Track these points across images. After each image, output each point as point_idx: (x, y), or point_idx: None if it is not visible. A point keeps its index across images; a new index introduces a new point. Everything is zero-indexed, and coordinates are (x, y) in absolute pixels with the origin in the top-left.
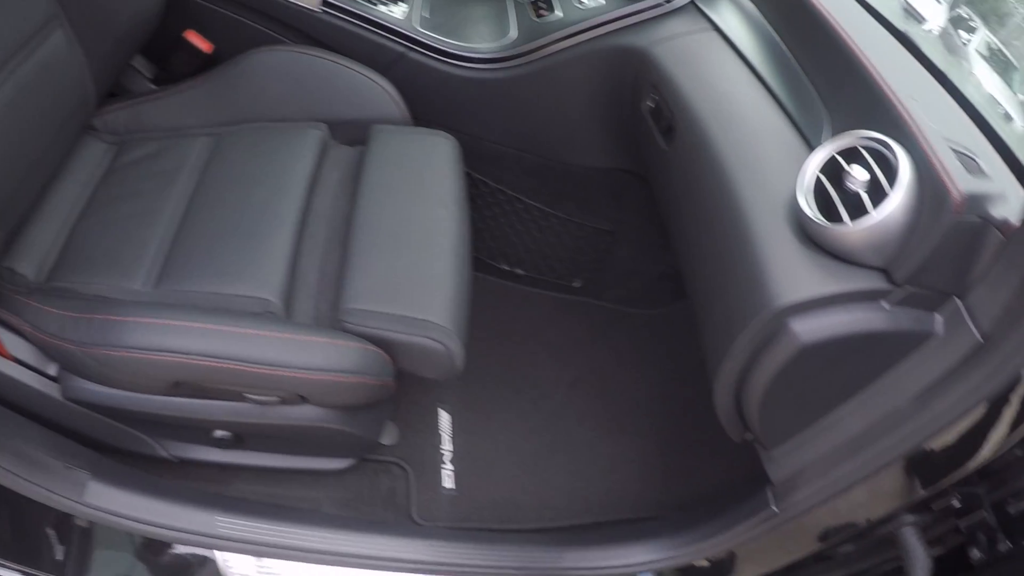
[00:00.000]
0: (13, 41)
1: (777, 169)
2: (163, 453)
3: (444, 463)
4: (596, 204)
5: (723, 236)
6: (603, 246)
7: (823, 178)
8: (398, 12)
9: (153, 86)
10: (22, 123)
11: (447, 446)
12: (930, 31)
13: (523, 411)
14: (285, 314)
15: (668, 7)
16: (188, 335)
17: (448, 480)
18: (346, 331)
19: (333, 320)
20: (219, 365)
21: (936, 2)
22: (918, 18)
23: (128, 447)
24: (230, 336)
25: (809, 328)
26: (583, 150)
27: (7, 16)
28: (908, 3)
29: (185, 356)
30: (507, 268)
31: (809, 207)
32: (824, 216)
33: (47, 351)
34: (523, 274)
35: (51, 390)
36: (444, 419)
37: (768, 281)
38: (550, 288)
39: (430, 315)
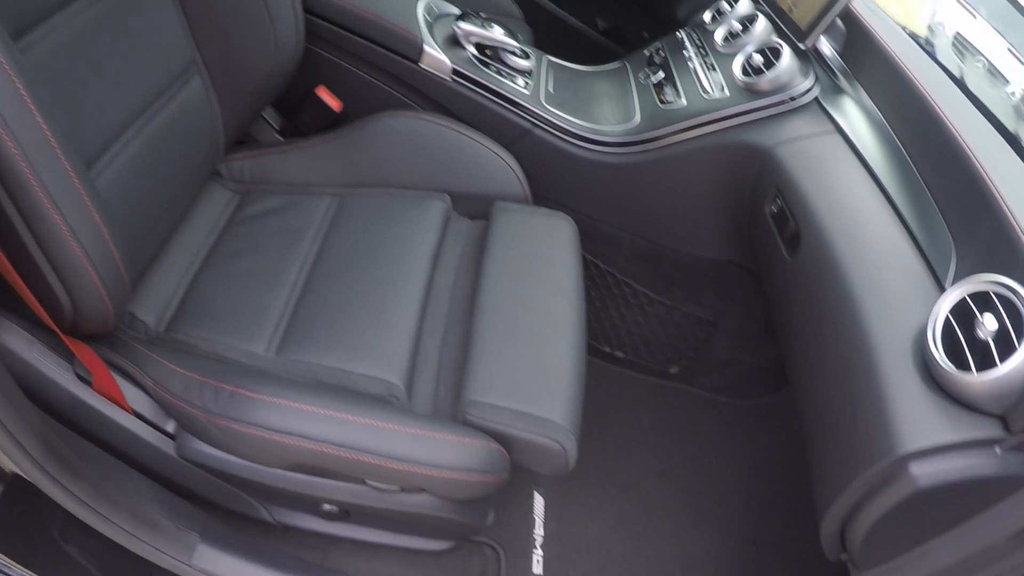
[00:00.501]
0: (156, 85)
1: (903, 300)
2: (267, 517)
3: (535, 548)
4: (702, 294)
5: (846, 364)
6: (704, 335)
7: (952, 320)
8: (522, 84)
9: (280, 138)
10: (157, 168)
11: (539, 531)
12: None
13: (613, 499)
14: (407, 397)
15: (793, 104)
16: (320, 422)
17: (537, 566)
18: (467, 423)
19: (455, 410)
20: (348, 456)
21: None
22: None
23: (234, 508)
24: (361, 427)
25: (926, 472)
26: (696, 240)
27: (153, 59)
28: None
29: (315, 443)
30: (607, 350)
31: (937, 350)
32: (950, 358)
33: (167, 409)
34: (622, 357)
35: (166, 447)
36: (538, 503)
37: (894, 425)
38: (647, 372)
39: (551, 413)
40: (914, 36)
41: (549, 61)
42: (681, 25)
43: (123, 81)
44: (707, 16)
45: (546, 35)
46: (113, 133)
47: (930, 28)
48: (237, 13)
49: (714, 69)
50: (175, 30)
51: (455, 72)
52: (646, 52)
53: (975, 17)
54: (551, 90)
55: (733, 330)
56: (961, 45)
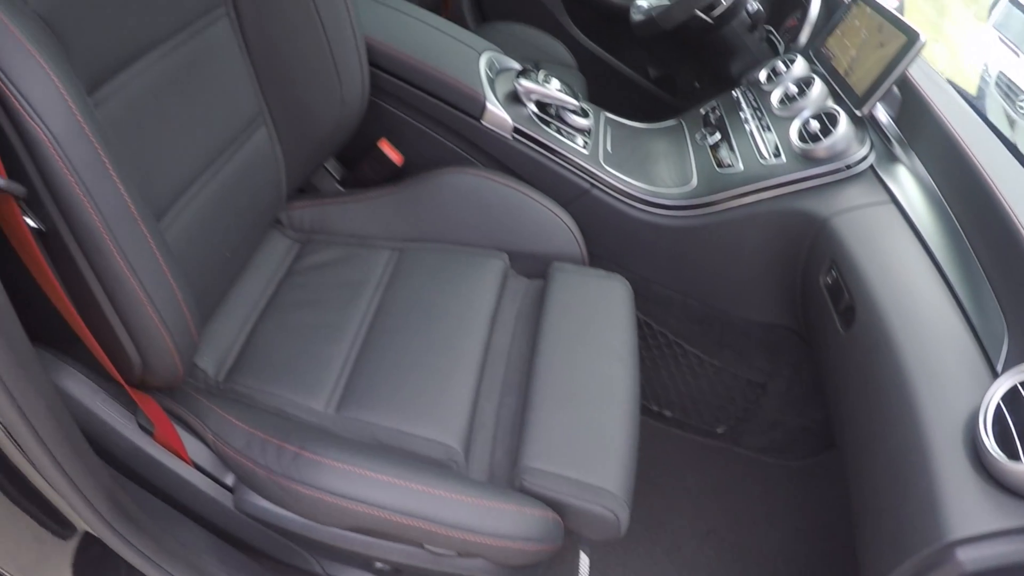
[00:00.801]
0: (224, 137)
1: (956, 382)
2: (320, 571)
3: None
4: (752, 356)
5: (897, 444)
6: (752, 396)
7: (1003, 407)
8: (581, 143)
9: (340, 188)
10: (222, 218)
11: None
12: None
13: (656, 561)
14: (465, 460)
15: (848, 172)
16: (382, 489)
17: None
18: (524, 490)
19: (512, 475)
20: (409, 523)
21: None
22: None
23: (287, 560)
24: (423, 495)
25: (972, 558)
26: (748, 304)
27: (222, 111)
28: None
29: (376, 509)
30: (656, 409)
31: (988, 437)
32: (1000, 445)
33: (227, 463)
34: (670, 416)
35: (224, 499)
36: (584, 563)
37: (942, 511)
38: (693, 431)
39: (605, 482)
40: (962, 92)
41: (607, 118)
42: (734, 81)
43: (192, 134)
44: (762, 76)
45: (599, 83)
46: (182, 186)
47: (981, 77)
48: (305, 66)
49: (770, 131)
50: (244, 82)
51: (516, 130)
52: (702, 111)
53: (1019, 56)
54: (609, 149)
55: (781, 392)
56: (1008, 89)
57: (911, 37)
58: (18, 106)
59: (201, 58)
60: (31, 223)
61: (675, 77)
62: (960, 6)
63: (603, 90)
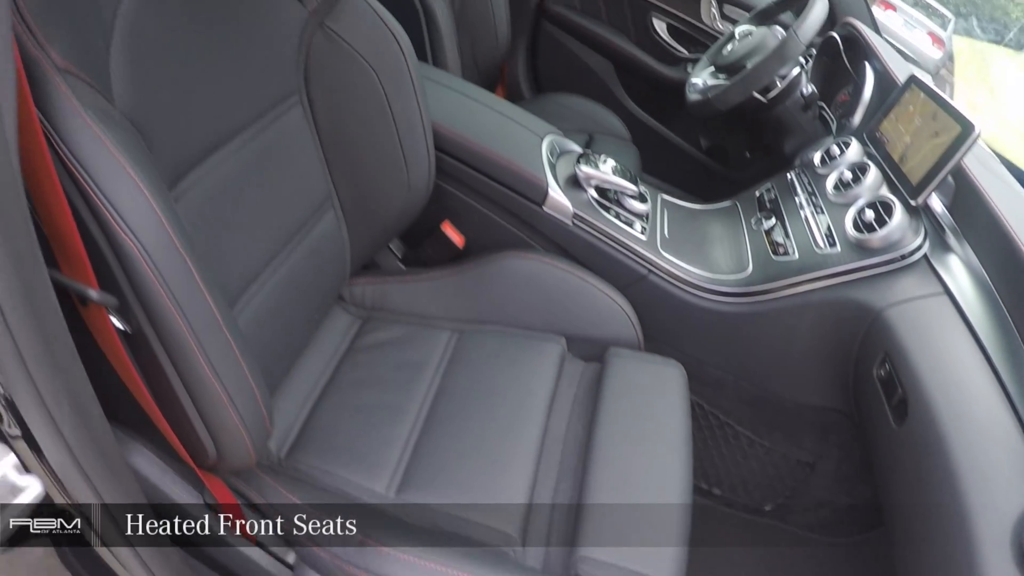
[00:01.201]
0: (295, 222)
1: (1007, 482)
2: None
3: None
4: (802, 437)
5: (945, 542)
6: (801, 475)
7: None
8: (639, 229)
9: (402, 266)
10: (290, 301)
11: None
12: None
13: None
14: (522, 546)
15: (902, 263)
16: None
17: None
18: None
19: (568, 564)
20: None
21: None
22: None
23: None
24: None
25: None
26: (800, 388)
27: (294, 197)
28: None
29: None
30: (705, 487)
31: None
32: None
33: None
34: (719, 494)
35: None
36: None
37: None
38: (741, 509)
39: (659, 571)
40: (1016, 170)
41: (664, 200)
42: (787, 158)
43: (266, 219)
44: (817, 158)
45: (652, 153)
46: (255, 271)
47: None
48: (374, 153)
49: (824, 216)
50: (314, 167)
51: (576, 216)
52: (757, 193)
53: None
54: (667, 234)
55: (830, 471)
56: None
57: (966, 129)
58: (111, 219)
59: (275, 146)
60: (117, 324)
61: (726, 147)
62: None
63: (656, 160)
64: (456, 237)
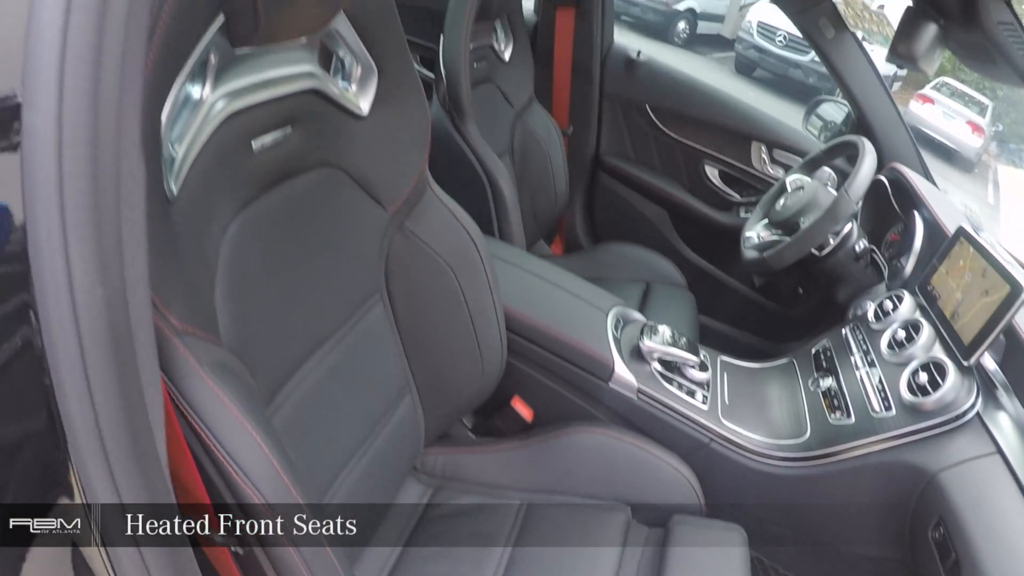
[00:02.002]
0: (376, 413)
1: None
2: None
3: None
4: None
5: None
6: None
7: None
8: (700, 398)
9: (472, 436)
10: (372, 483)
11: None
12: None
13: None
14: None
15: (956, 423)
16: None
17: None
18: None
19: None
20: None
21: None
22: None
23: None
24: None
25: None
26: (858, 540)
27: (376, 390)
28: None
29: None
30: None
31: None
32: None
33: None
34: None
35: None
36: None
37: None
38: None
39: None
40: None
41: (723, 362)
42: (840, 305)
43: (350, 415)
44: (871, 313)
45: (707, 295)
46: (341, 463)
47: None
48: (450, 343)
49: (880, 378)
50: (394, 360)
51: (640, 391)
52: (812, 351)
53: None
54: (727, 400)
55: None
56: None
57: (1015, 289)
58: (233, 473)
59: (359, 344)
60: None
61: (779, 285)
62: None
63: (712, 301)
64: (525, 411)
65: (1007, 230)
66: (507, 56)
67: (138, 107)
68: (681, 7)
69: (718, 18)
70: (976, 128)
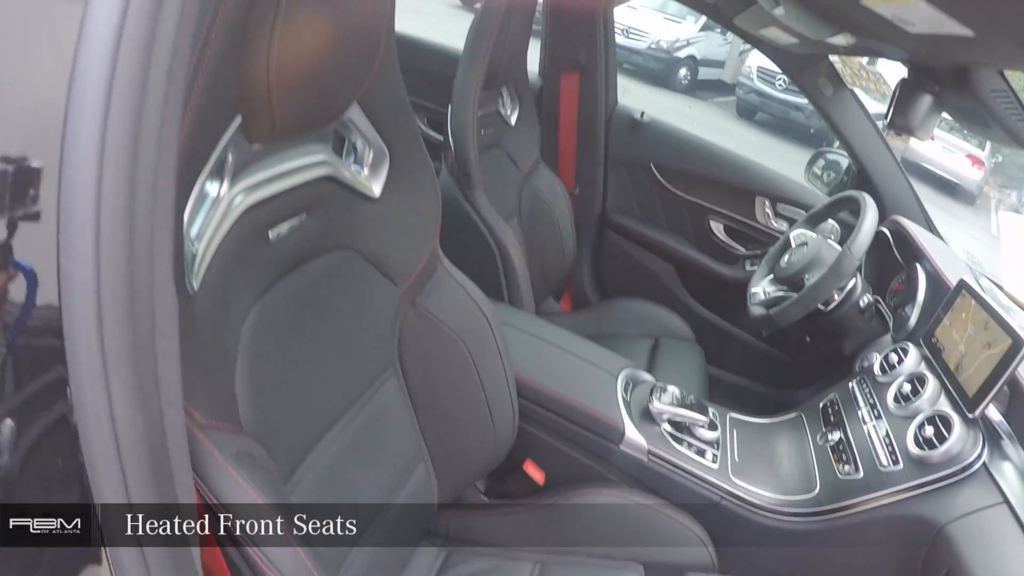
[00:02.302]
0: (390, 482)
1: None
2: None
3: None
4: None
5: None
6: None
7: None
8: (710, 457)
9: (484, 498)
10: (388, 545)
11: None
12: None
13: None
14: None
15: (963, 475)
16: None
17: None
18: None
19: None
20: None
21: None
22: None
23: None
24: None
25: None
26: None
27: (390, 459)
28: None
29: None
30: None
31: None
32: None
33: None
34: None
35: None
36: None
37: None
38: None
39: None
40: None
41: (732, 419)
42: (847, 356)
43: (365, 487)
44: (876, 366)
45: (715, 347)
46: (357, 536)
47: None
48: (463, 414)
49: (887, 431)
50: (408, 431)
51: (651, 453)
52: (820, 405)
53: None
54: (737, 458)
55: None
56: None
57: (1016, 342)
58: (259, 562)
59: (373, 417)
60: None
61: (787, 334)
62: None
63: (720, 352)
64: (537, 475)
65: (1008, 270)
66: (513, 120)
67: (170, 247)
68: (682, 54)
69: (719, 64)
70: (976, 161)
